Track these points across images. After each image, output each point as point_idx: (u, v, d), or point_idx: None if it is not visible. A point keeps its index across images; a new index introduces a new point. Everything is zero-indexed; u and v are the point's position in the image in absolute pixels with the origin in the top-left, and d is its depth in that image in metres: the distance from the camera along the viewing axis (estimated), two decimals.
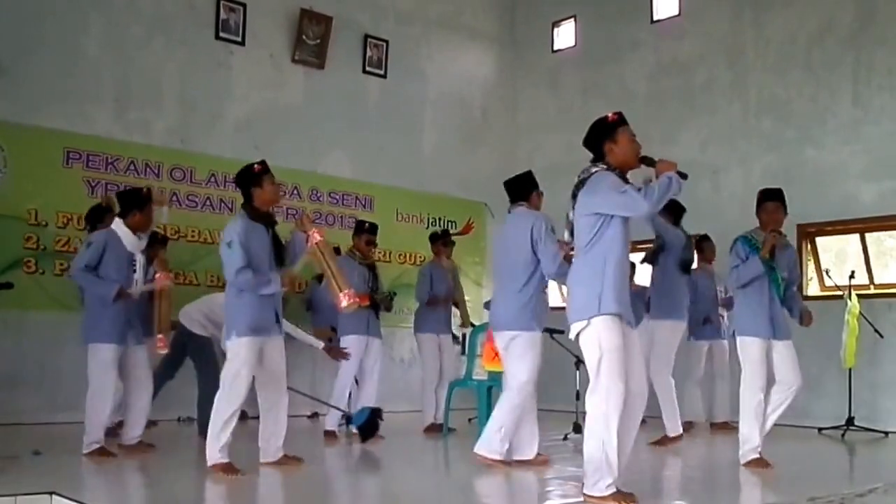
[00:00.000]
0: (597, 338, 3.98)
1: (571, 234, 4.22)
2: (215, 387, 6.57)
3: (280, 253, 5.15)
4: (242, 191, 5.18)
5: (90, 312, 5.64)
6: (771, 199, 5.66)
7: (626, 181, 4.12)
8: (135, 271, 5.74)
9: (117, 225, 5.73)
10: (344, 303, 4.96)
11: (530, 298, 5.27)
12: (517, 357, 5.24)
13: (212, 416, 4.98)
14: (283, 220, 8.70)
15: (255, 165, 5.18)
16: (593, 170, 4.16)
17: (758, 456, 5.38)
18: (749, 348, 5.47)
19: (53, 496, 4.13)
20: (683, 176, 4.06)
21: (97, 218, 6.56)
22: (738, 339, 5.56)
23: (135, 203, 5.79)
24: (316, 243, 5.06)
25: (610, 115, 4.26)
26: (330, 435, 6.95)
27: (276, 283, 5.00)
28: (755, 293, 5.53)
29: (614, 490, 3.97)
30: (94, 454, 5.46)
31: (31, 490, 4.19)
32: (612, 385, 3.92)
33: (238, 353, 4.93)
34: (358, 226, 7.37)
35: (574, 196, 4.18)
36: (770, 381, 5.50)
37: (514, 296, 5.28)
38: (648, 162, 4.18)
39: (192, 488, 4.93)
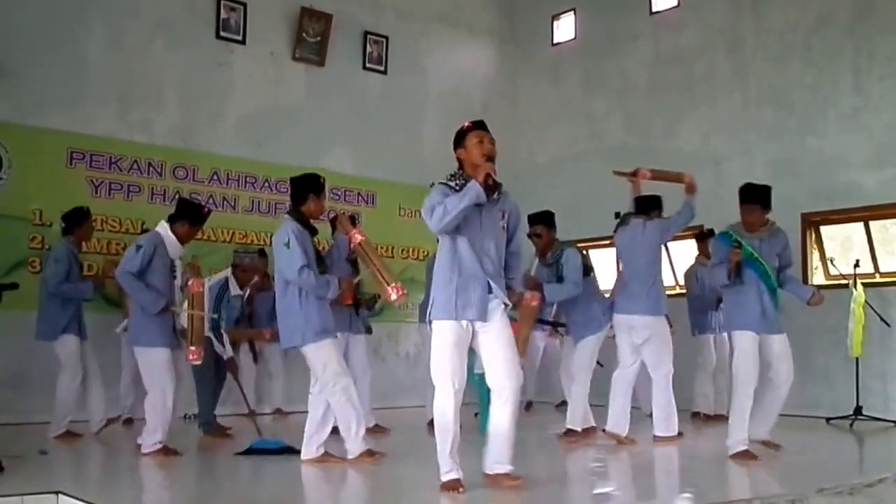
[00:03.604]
0: (432, 335, 4.28)
1: None
2: (210, 384, 6.61)
3: (322, 258, 5.28)
4: (298, 195, 5.26)
5: (140, 316, 5.63)
6: (746, 201, 5.58)
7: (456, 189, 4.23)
8: (175, 278, 5.80)
9: (163, 229, 5.74)
10: (393, 296, 4.99)
11: None
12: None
13: (339, 418, 5.14)
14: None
15: (322, 177, 5.30)
16: (436, 183, 4.38)
17: (746, 448, 5.39)
18: (740, 342, 5.46)
19: (60, 496, 4.13)
20: (490, 187, 4.15)
21: (75, 221, 6.68)
22: (731, 333, 5.58)
23: (190, 215, 5.86)
24: (358, 243, 5.15)
25: (465, 124, 4.40)
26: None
27: (335, 287, 5.11)
28: (744, 287, 5.49)
29: (451, 477, 4.17)
30: (158, 453, 5.50)
31: (37, 490, 4.20)
32: (440, 378, 4.22)
33: (330, 355, 5.08)
34: (333, 221, 7.38)
35: None
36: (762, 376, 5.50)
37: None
38: (489, 161, 4.30)
39: (198, 487, 4.93)
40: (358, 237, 5.15)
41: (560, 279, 6.36)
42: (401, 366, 9.75)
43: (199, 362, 5.89)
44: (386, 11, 10.36)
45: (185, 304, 5.89)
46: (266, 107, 9.38)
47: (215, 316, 6.46)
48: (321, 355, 5.08)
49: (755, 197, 5.58)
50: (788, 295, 5.70)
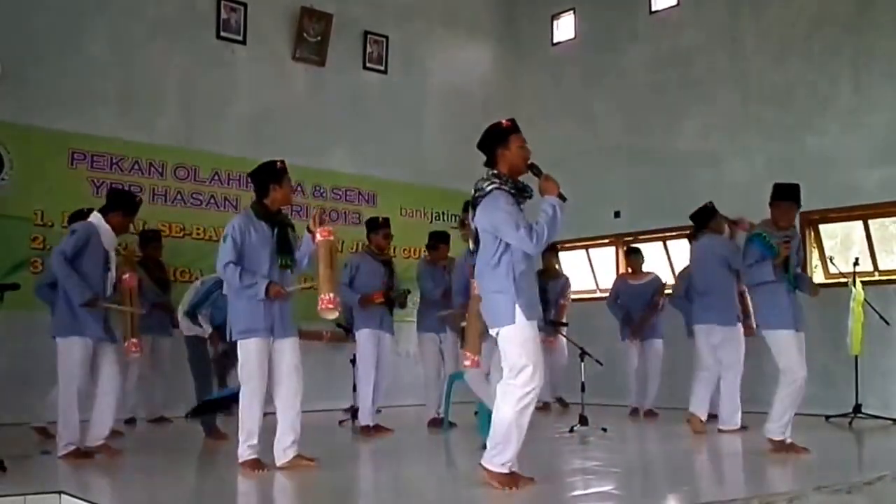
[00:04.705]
0: (517, 340, 4.20)
1: (476, 242, 4.41)
2: (206, 384, 6.62)
3: (287, 252, 5.11)
4: (258, 185, 5.13)
5: (66, 307, 5.47)
6: (786, 199, 5.73)
7: (517, 190, 4.31)
8: (108, 269, 5.63)
9: (97, 219, 5.62)
10: (320, 306, 4.86)
11: None
12: None
13: (240, 418, 5.00)
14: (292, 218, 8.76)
15: (278, 163, 5.13)
16: (488, 187, 4.31)
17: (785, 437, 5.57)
18: (785, 340, 5.59)
19: (62, 495, 4.15)
20: (563, 198, 4.24)
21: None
22: (767, 332, 5.67)
23: (122, 204, 5.71)
24: (316, 242, 5.02)
25: (504, 121, 4.41)
26: (365, 430, 7.00)
27: (261, 290, 4.91)
28: (776, 287, 5.64)
29: (508, 471, 4.19)
30: (70, 456, 5.34)
31: (40, 489, 4.21)
32: (530, 376, 4.15)
33: (247, 356, 4.97)
34: (372, 222, 7.32)
35: (474, 206, 4.38)
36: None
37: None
38: (535, 171, 4.36)
39: (200, 486, 4.96)
40: (318, 236, 4.99)
41: None
42: (401, 365, 9.76)
43: (137, 354, 5.87)
44: (386, 11, 10.38)
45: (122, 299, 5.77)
46: (266, 107, 9.40)
47: (197, 310, 6.47)
48: (242, 352, 4.98)
49: (794, 195, 5.74)
50: None
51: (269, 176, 5.10)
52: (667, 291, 8.57)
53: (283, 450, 5.04)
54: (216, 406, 6.01)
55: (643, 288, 8.50)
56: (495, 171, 4.35)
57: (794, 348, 5.58)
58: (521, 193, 4.33)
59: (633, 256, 8.74)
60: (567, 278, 9.38)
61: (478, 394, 5.94)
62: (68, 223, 6.87)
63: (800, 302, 5.74)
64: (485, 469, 4.23)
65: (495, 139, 4.37)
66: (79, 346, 5.41)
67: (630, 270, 8.83)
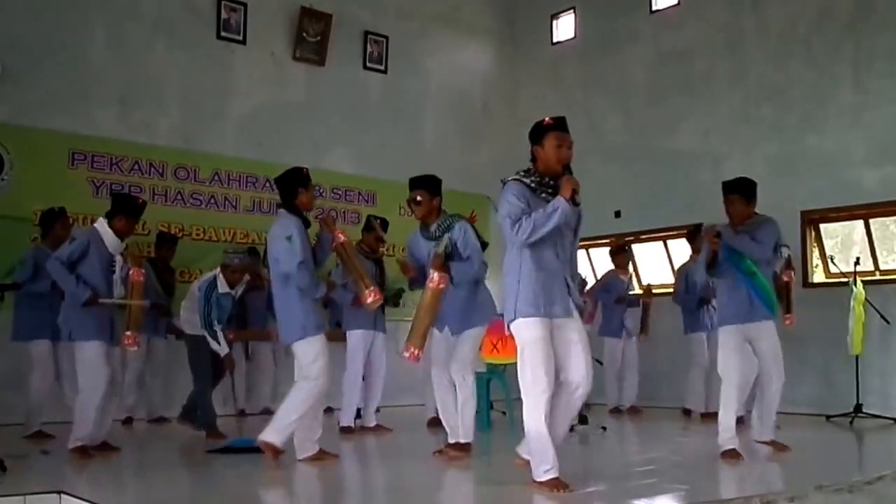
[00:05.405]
0: (518, 335, 4.19)
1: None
2: (206, 383, 6.63)
3: (313, 254, 5.30)
4: (287, 191, 5.26)
5: (73, 310, 5.58)
6: (728, 192, 5.59)
7: (539, 185, 4.22)
8: (114, 272, 5.73)
9: (101, 225, 5.73)
10: (370, 300, 5.10)
11: None
12: None
13: (289, 405, 5.14)
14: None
15: (304, 169, 5.32)
16: (508, 179, 4.29)
17: (734, 447, 5.34)
18: (723, 336, 5.50)
19: (62, 495, 4.15)
20: (575, 203, 4.13)
21: (48, 223, 6.79)
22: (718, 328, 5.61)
23: (126, 209, 5.78)
24: (340, 244, 5.21)
25: (547, 118, 4.33)
26: (346, 430, 7.03)
27: (322, 289, 5.23)
28: (725, 282, 5.54)
29: (554, 476, 4.11)
30: (76, 452, 5.43)
31: (39, 489, 4.21)
32: (535, 376, 4.09)
33: (321, 351, 5.14)
34: (369, 222, 7.40)
35: None
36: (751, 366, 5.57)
37: None
38: (567, 173, 4.25)
39: (199, 486, 4.95)
40: (341, 237, 5.23)
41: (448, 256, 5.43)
42: (400, 364, 9.73)
43: (135, 348, 5.95)
44: (386, 11, 10.38)
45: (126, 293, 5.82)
46: (266, 107, 9.40)
47: (211, 319, 6.46)
48: (314, 349, 5.11)
49: (733, 189, 5.58)
50: None
51: (297, 180, 5.28)
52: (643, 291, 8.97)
53: (312, 443, 5.24)
54: (235, 451, 5.84)
55: (625, 285, 8.84)
56: (527, 168, 4.31)
57: (731, 346, 5.40)
58: (543, 188, 4.21)
59: (625, 254, 8.92)
60: (582, 277, 9.38)
61: (437, 396, 5.73)
62: (39, 223, 6.99)
63: (765, 287, 5.41)
64: (536, 483, 4.17)
65: (533, 136, 4.31)
66: (96, 348, 5.54)
67: (619, 266, 8.92)
